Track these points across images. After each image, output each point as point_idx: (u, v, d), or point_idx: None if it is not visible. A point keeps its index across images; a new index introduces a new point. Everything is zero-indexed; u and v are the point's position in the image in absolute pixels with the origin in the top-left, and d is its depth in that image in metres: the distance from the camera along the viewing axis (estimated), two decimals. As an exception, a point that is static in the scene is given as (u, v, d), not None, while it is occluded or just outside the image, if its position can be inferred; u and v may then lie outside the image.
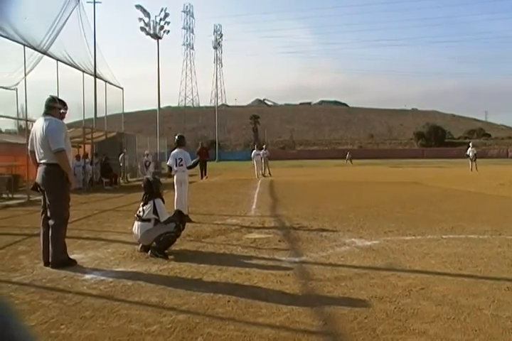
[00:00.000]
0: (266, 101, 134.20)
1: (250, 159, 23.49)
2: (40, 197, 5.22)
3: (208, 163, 22.61)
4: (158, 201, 5.63)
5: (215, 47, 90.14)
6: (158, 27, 31.23)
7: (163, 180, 7.20)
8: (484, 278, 4.27)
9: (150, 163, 23.10)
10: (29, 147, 5.24)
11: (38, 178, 5.04)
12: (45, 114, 5.13)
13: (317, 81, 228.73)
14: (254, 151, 23.08)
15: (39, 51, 14.47)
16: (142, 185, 5.95)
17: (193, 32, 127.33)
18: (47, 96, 5.28)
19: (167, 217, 5.59)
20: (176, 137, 8.66)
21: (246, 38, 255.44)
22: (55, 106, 5.16)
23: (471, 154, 25.97)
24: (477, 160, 26.02)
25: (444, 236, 6.38)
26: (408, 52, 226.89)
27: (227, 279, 4.40)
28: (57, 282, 4.36)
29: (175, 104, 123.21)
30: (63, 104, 5.29)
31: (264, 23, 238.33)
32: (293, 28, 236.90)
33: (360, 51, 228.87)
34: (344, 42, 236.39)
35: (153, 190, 5.73)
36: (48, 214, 4.97)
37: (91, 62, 19.69)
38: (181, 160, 8.17)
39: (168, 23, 31.93)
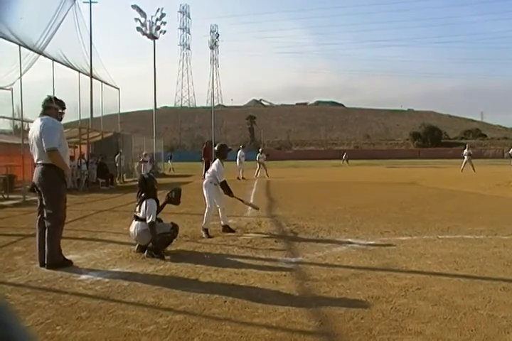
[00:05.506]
0: (262, 102, 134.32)
1: (246, 160, 23.33)
2: (37, 198, 5.20)
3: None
4: (150, 201, 5.56)
5: (212, 48, 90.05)
6: (154, 27, 31.08)
7: (158, 179, 7.17)
8: (480, 278, 4.29)
9: (147, 162, 22.88)
10: (31, 149, 5.19)
11: (35, 178, 5.02)
12: (42, 114, 5.10)
13: (314, 81, 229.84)
14: (240, 152, 22.85)
15: (35, 51, 14.42)
16: (138, 182, 5.93)
17: (189, 32, 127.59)
18: (43, 97, 5.24)
19: (154, 218, 5.46)
20: (216, 148, 7.48)
21: (243, 38, 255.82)
22: (51, 106, 5.12)
23: (466, 156, 26.11)
24: (472, 160, 26.12)
25: (440, 237, 6.40)
26: (405, 53, 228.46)
27: (224, 279, 4.40)
28: (53, 283, 4.34)
29: (171, 105, 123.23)
30: (61, 104, 5.24)
31: (261, 24, 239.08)
32: (290, 29, 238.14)
33: (357, 51, 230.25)
34: (341, 43, 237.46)
35: (147, 188, 5.69)
36: (44, 214, 4.95)
37: (87, 62, 19.67)
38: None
39: (165, 23, 31.77)
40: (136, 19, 30.60)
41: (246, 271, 4.66)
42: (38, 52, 14.69)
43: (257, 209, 7.81)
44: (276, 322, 3.26)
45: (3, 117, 15.63)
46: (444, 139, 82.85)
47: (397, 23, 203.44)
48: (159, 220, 5.79)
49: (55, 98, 5.27)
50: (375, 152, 72.67)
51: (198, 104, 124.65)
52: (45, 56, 15.33)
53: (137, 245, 5.63)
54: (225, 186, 7.04)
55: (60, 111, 5.22)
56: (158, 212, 5.71)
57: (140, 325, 3.21)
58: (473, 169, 24.96)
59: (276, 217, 8.56)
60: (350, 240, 6.24)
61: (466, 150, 26.46)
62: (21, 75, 13.23)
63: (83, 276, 4.56)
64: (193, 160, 42.48)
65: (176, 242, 5.93)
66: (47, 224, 4.91)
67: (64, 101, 5.33)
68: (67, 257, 5.13)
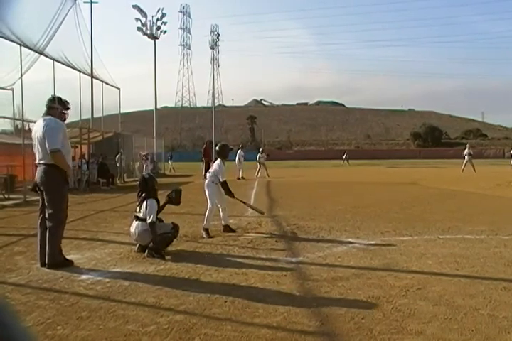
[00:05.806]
0: (263, 102, 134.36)
1: (246, 160, 23.28)
2: (38, 198, 5.20)
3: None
4: (150, 201, 5.56)
5: (212, 48, 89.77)
6: (155, 27, 31.09)
7: (159, 179, 7.16)
8: (481, 278, 4.29)
9: (147, 160, 22.82)
10: (34, 149, 5.17)
11: (37, 178, 5.01)
12: (45, 114, 5.09)
13: (314, 81, 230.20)
14: (239, 152, 22.74)
15: (35, 51, 14.42)
16: (138, 182, 5.94)
17: (189, 32, 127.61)
18: (44, 97, 5.24)
19: (154, 218, 5.47)
20: (217, 148, 7.46)
21: (243, 38, 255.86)
22: (54, 107, 5.12)
23: (467, 156, 26.06)
24: (473, 160, 26.08)
25: (440, 237, 6.40)
26: (406, 53, 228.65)
27: (224, 279, 4.40)
28: (53, 283, 4.34)
29: (172, 105, 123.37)
30: (64, 104, 5.22)
31: (262, 24, 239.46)
32: (291, 29, 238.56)
33: (358, 51, 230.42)
34: (341, 43, 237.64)
35: (148, 188, 5.70)
36: (46, 215, 4.95)
37: (88, 62, 19.66)
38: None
39: (165, 23, 31.80)
40: (137, 19, 30.64)
41: (247, 271, 4.66)
42: (38, 52, 14.69)
43: (262, 213, 7.73)
44: (276, 322, 3.26)
45: (4, 117, 15.67)
46: (445, 139, 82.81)
47: (397, 23, 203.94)
48: (160, 220, 5.79)
49: (59, 98, 5.26)
50: (376, 152, 72.61)
51: (199, 104, 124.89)
52: (45, 56, 15.32)
53: (138, 245, 5.63)
54: (225, 186, 7.03)
55: (64, 111, 5.21)
56: (158, 212, 5.71)
57: (141, 325, 3.22)
58: (474, 169, 24.92)
59: (277, 217, 8.55)
60: (350, 240, 6.24)
61: (466, 150, 26.40)
62: (22, 75, 13.24)
63: (84, 276, 4.56)
64: (193, 160, 42.50)
65: (176, 242, 5.93)
66: (48, 224, 4.91)
67: (68, 101, 5.31)
68: (68, 257, 5.14)
